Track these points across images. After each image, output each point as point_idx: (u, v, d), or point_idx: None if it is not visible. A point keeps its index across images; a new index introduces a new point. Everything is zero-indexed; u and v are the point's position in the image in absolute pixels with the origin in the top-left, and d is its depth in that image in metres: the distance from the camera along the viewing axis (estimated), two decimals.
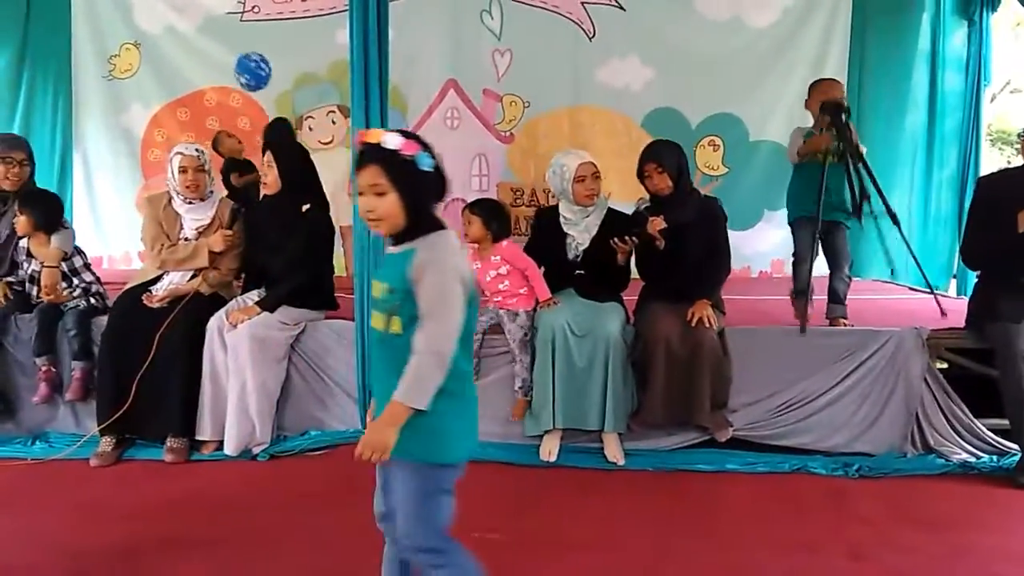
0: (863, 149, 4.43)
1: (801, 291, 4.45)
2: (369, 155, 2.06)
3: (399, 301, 2.04)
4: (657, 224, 4.01)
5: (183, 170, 4.18)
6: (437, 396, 2.02)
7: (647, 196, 4.21)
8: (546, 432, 4.06)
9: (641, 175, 4.13)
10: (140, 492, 3.63)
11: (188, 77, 7.64)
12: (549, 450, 4.05)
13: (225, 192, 5.82)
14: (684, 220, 4.04)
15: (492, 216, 4.14)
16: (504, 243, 4.16)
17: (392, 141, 2.04)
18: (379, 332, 2.10)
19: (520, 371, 4.11)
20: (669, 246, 4.04)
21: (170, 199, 4.30)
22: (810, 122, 4.67)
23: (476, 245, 4.15)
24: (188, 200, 4.25)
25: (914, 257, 4.31)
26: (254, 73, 6.04)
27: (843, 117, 4.28)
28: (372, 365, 2.19)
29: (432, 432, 2.06)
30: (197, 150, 4.25)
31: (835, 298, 4.53)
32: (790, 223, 4.77)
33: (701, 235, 4.11)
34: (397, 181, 2.04)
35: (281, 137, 5.88)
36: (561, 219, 4.28)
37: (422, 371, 1.99)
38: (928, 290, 5.11)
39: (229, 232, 4.25)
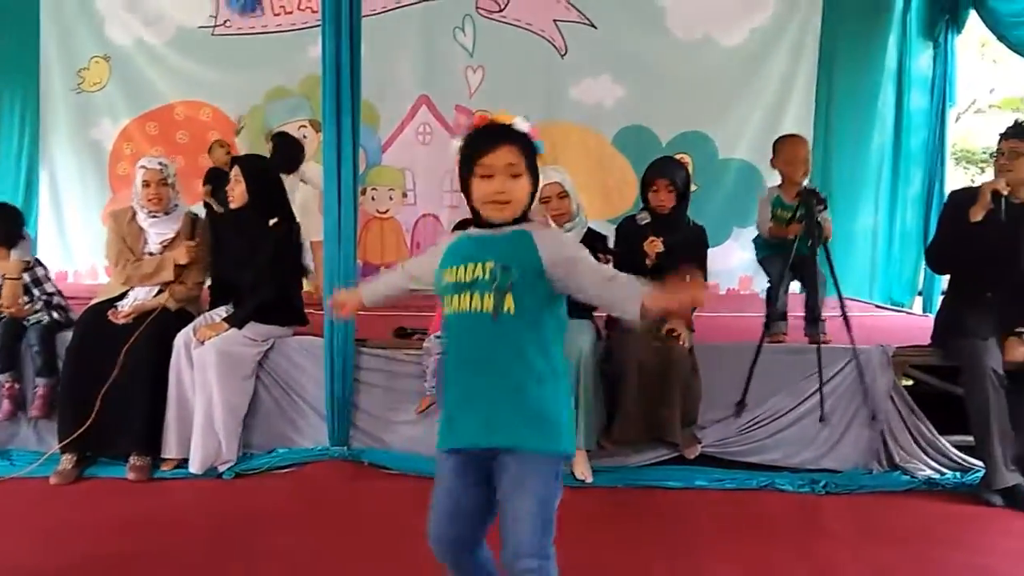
0: (829, 235, 4.43)
1: (770, 317, 4.47)
2: (505, 135, 2.04)
3: (518, 278, 1.99)
4: (656, 246, 4.00)
5: (146, 184, 4.16)
6: (554, 379, 2.05)
7: (646, 211, 4.19)
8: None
9: (647, 187, 4.13)
10: (102, 511, 3.57)
11: (158, 91, 7.60)
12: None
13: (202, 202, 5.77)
14: (673, 241, 4.05)
15: None
16: None
17: (522, 124, 2.04)
18: (482, 314, 2.01)
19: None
20: (654, 264, 4.04)
21: (134, 214, 4.26)
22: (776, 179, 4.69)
23: None
24: (152, 214, 4.21)
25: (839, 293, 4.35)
26: None
27: (817, 211, 4.23)
28: (461, 351, 2.11)
29: (558, 418, 2.05)
30: (160, 163, 4.22)
31: (811, 317, 4.53)
32: (759, 260, 4.80)
33: (685, 258, 4.12)
34: (530, 164, 2.04)
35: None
36: None
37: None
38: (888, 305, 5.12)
39: (192, 243, 4.22)
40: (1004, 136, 4.04)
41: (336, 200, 4.05)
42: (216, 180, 6.11)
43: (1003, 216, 3.91)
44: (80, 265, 7.66)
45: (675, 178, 4.09)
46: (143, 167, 4.19)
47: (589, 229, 4.29)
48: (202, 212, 5.45)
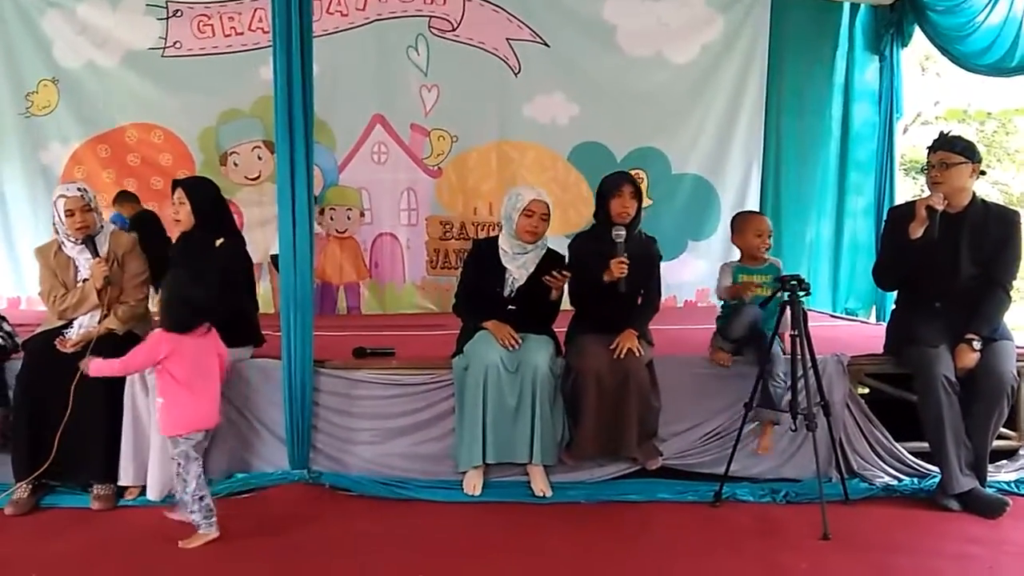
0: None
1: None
2: None
3: None
4: (623, 268, 3.96)
5: (70, 213, 4.02)
6: None
7: (620, 228, 4.07)
8: (472, 468, 4.04)
9: (611, 195, 4.11)
10: (61, 541, 3.49)
11: (109, 114, 7.49)
12: (474, 484, 4.03)
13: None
14: (629, 254, 4.03)
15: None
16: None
17: None
18: None
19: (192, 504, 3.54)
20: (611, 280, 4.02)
21: (60, 245, 4.15)
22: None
23: None
24: (79, 241, 4.10)
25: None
26: None
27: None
28: None
29: None
30: (80, 189, 4.08)
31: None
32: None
33: (640, 271, 4.14)
34: None
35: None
36: (500, 251, 4.26)
37: None
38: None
39: (96, 260, 4.06)
40: (932, 149, 4.08)
41: (291, 220, 4.01)
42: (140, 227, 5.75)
43: (935, 232, 3.92)
44: (33, 291, 7.48)
45: (637, 184, 4.15)
46: (63, 196, 4.04)
47: (549, 250, 4.32)
48: None
